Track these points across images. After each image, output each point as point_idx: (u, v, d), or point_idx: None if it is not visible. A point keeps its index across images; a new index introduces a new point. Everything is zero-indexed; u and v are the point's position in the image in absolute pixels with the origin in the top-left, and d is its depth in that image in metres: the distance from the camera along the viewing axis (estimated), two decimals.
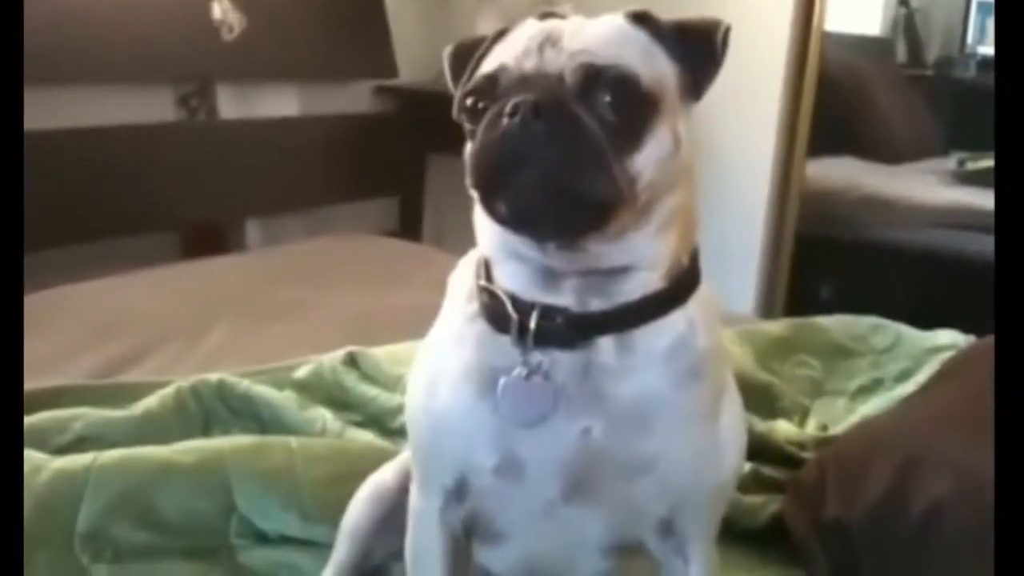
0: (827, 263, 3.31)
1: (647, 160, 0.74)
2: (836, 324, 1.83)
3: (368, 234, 2.65)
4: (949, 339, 1.75)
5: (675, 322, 0.79)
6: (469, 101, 0.76)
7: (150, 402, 1.34)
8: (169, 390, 1.36)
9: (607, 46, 0.75)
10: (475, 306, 0.82)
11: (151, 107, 2.28)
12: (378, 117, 2.85)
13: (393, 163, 2.82)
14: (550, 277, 0.78)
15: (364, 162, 2.71)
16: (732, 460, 0.85)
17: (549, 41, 0.75)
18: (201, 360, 1.67)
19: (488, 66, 0.77)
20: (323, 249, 2.38)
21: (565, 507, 0.82)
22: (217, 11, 2.28)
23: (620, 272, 0.77)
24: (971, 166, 3.64)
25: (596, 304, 0.78)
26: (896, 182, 3.62)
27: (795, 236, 2.95)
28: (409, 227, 2.93)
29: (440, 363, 0.83)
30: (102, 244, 2.13)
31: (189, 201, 2.33)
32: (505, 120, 0.71)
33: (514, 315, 0.78)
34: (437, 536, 0.88)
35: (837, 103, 3.33)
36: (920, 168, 3.88)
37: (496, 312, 0.80)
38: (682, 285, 0.80)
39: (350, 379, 1.48)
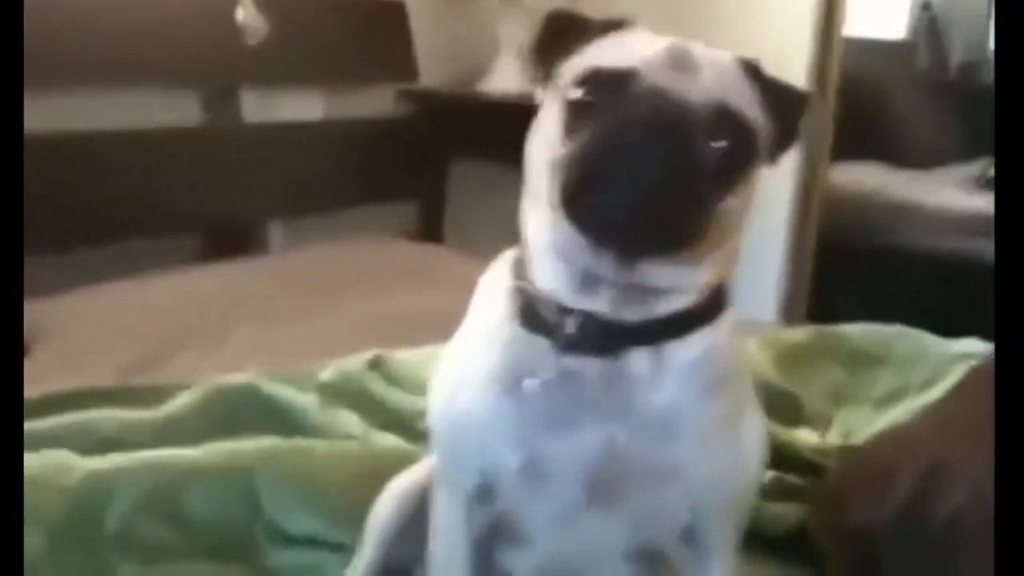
0: (851, 269, 3.29)
1: (732, 205, 0.76)
2: (859, 332, 1.82)
3: (390, 237, 2.66)
4: (973, 347, 1.74)
5: (703, 336, 0.81)
6: (582, 90, 0.75)
7: (176, 404, 1.35)
8: (195, 392, 1.37)
9: (738, 93, 0.76)
10: (509, 308, 0.82)
11: (176, 110, 2.29)
12: (400, 120, 2.86)
13: (415, 166, 2.83)
14: (590, 282, 0.78)
15: (386, 165, 2.72)
16: (753, 468, 0.86)
17: (682, 64, 0.75)
18: (224, 363, 1.68)
19: (608, 61, 0.76)
20: (345, 252, 2.39)
21: (588, 512, 0.82)
22: (241, 15, 2.29)
23: (660, 292, 0.78)
24: (995, 172, 3.61)
25: (629, 314, 0.79)
26: (920, 188, 3.60)
27: (818, 242, 2.94)
28: (431, 230, 2.94)
29: (467, 363, 0.84)
30: (126, 246, 2.15)
31: (212, 204, 2.34)
32: (631, 130, 0.71)
33: (551, 318, 0.79)
34: (462, 539, 0.88)
35: (860, 108, 3.31)
36: (944, 174, 3.86)
37: (532, 313, 0.80)
38: (713, 304, 0.82)
39: (375, 382, 1.49)
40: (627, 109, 0.73)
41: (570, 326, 0.78)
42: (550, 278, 0.80)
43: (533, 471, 0.81)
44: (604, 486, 0.81)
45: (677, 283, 0.79)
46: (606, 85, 0.75)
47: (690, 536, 0.85)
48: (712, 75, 0.76)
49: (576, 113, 0.75)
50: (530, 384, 0.79)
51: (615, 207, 0.71)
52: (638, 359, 0.79)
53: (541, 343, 0.80)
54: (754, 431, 0.86)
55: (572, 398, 0.79)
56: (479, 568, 0.90)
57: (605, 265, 0.76)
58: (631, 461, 0.80)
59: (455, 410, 0.84)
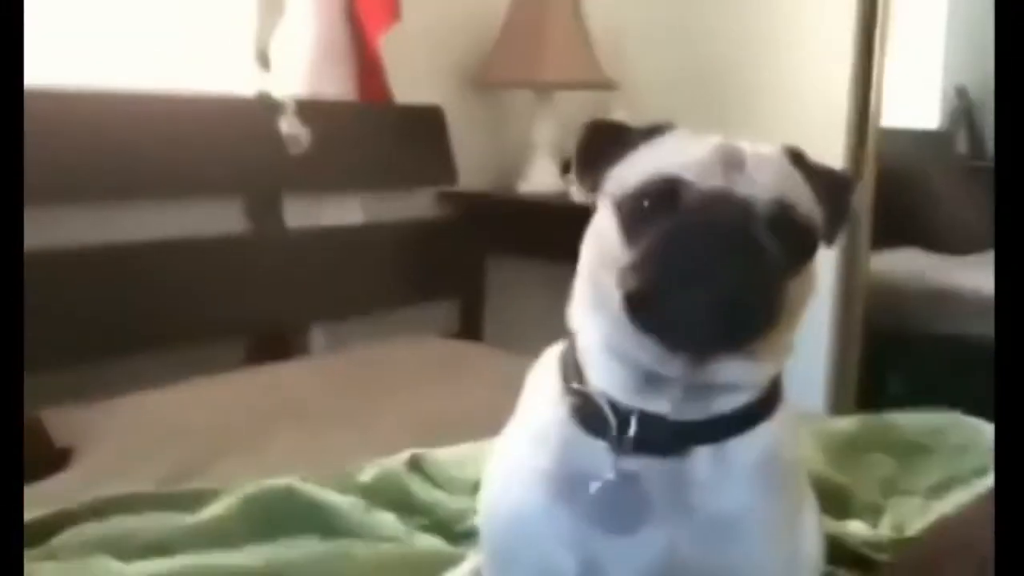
0: (897, 357, 3.24)
1: (795, 294, 0.77)
2: (909, 420, 1.78)
3: (430, 336, 2.68)
4: None
5: (763, 434, 0.80)
6: (639, 199, 0.77)
7: (216, 508, 1.35)
8: (235, 496, 1.37)
9: (791, 185, 0.78)
10: (564, 408, 0.82)
11: (220, 219, 2.35)
12: (439, 222, 2.91)
13: (454, 266, 2.86)
14: (653, 383, 0.78)
15: (426, 266, 2.76)
16: (814, 561, 0.85)
17: (733, 163, 0.77)
18: (267, 466, 1.67)
19: (662, 168, 0.77)
20: (386, 353, 2.40)
21: None
22: (285, 126, 2.36)
23: (726, 388, 0.78)
24: None
25: (691, 413, 0.78)
26: (962, 273, 3.57)
27: (863, 330, 2.91)
28: (470, 328, 2.96)
29: (518, 463, 0.83)
30: (172, 352, 2.18)
31: (256, 309, 2.38)
32: (697, 233, 0.73)
33: (613, 419, 0.78)
34: None
35: (900, 197, 3.32)
36: (986, 259, 3.81)
37: (591, 415, 0.80)
38: (770, 398, 0.82)
39: (414, 482, 1.48)
40: (689, 212, 0.74)
41: (632, 428, 0.78)
42: (609, 380, 0.80)
43: (592, 573, 0.80)
44: None
45: (745, 379, 0.78)
46: (663, 191, 0.76)
47: None
48: (764, 170, 0.77)
49: (635, 220, 0.76)
50: (594, 487, 0.78)
51: (688, 310, 0.72)
52: (699, 459, 0.78)
53: (598, 444, 0.79)
54: (812, 528, 0.85)
55: (631, 500, 0.78)
56: None
57: (674, 367, 0.77)
58: (690, 565, 0.78)
59: (506, 511, 0.84)
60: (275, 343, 2.49)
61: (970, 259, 3.80)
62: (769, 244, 0.74)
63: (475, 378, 2.10)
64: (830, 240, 0.82)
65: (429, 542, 1.35)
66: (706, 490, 0.78)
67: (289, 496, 1.38)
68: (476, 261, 2.96)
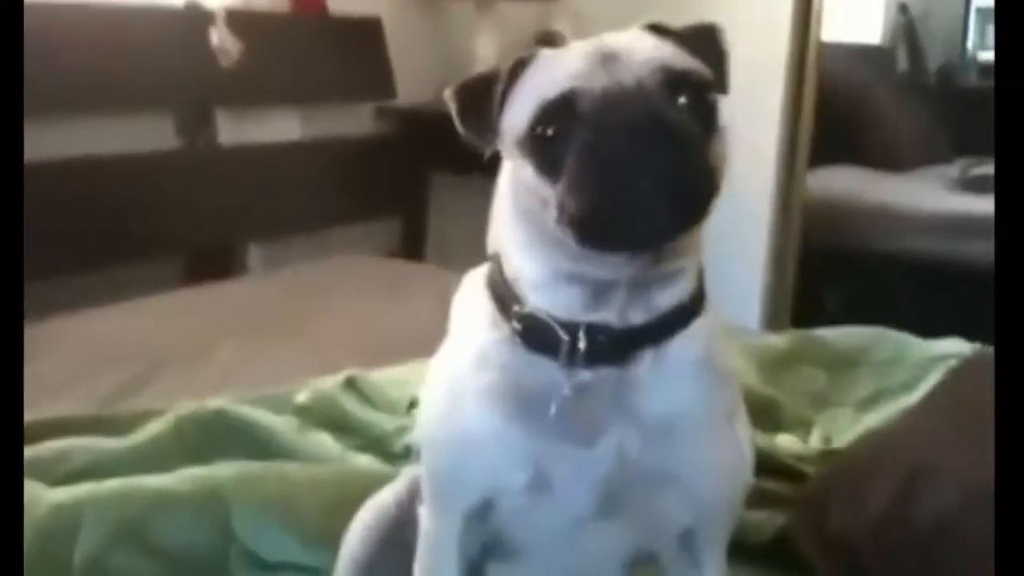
0: (833, 273, 3.29)
1: (718, 154, 0.76)
2: (839, 336, 1.81)
3: (370, 255, 2.65)
4: (954, 348, 1.74)
5: (697, 335, 0.81)
6: (539, 130, 0.75)
7: (148, 431, 1.33)
8: (168, 418, 1.35)
9: (669, 53, 0.78)
10: (502, 332, 0.81)
11: (151, 135, 2.29)
12: (379, 138, 2.86)
13: (395, 184, 2.83)
14: (600, 294, 0.78)
15: (366, 183, 2.71)
16: (749, 464, 0.87)
17: (607, 58, 0.76)
18: (205, 385, 1.66)
19: (546, 93, 0.75)
20: (325, 271, 2.38)
21: (594, 523, 0.82)
22: (215, 37, 2.28)
23: (671, 277, 0.79)
24: (975, 172, 3.62)
25: (636, 317, 0.79)
26: (900, 190, 3.61)
27: (800, 247, 2.94)
28: (412, 247, 2.94)
29: (460, 388, 0.83)
30: (105, 272, 2.14)
31: (191, 227, 2.33)
32: (611, 138, 0.72)
33: (565, 336, 0.78)
34: (452, 559, 0.87)
35: (838, 113, 3.33)
36: (924, 176, 3.87)
37: (539, 336, 0.79)
38: (698, 295, 0.83)
39: (350, 403, 1.47)
40: (592, 116, 0.73)
41: (581, 342, 0.78)
42: (555, 301, 0.79)
43: (541, 486, 0.81)
44: (612, 496, 0.81)
45: (687, 260, 0.80)
46: (559, 110, 0.75)
47: (688, 539, 0.86)
48: (637, 49, 0.77)
49: (545, 151, 0.75)
50: (554, 405, 0.79)
51: (637, 209, 0.72)
52: (643, 364, 0.79)
53: (543, 362, 0.80)
54: (747, 430, 0.87)
55: (586, 412, 0.79)
56: None
57: (629, 270, 0.77)
58: (639, 467, 0.80)
59: (454, 433, 0.84)
60: (212, 262, 2.45)
61: (907, 176, 3.85)
62: (676, 113, 0.74)
63: (416, 297, 2.09)
64: (722, 87, 0.80)
65: (364, 461, 1.35)
66: (651, 393, 0.79)
67: (222, 418, 1.37)
68: (418, 178, 2.92)
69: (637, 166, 0.71)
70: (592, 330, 0.78)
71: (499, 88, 0.79)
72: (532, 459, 0.80)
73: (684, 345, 0.80)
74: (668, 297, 0.80)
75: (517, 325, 0.80)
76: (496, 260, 0.84)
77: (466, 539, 0.86)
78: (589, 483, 0.80)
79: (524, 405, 0.80)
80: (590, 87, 0.74)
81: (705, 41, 0.81)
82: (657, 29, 0.81)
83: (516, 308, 0.80)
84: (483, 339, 0.82)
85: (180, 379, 1.70)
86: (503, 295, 0.82)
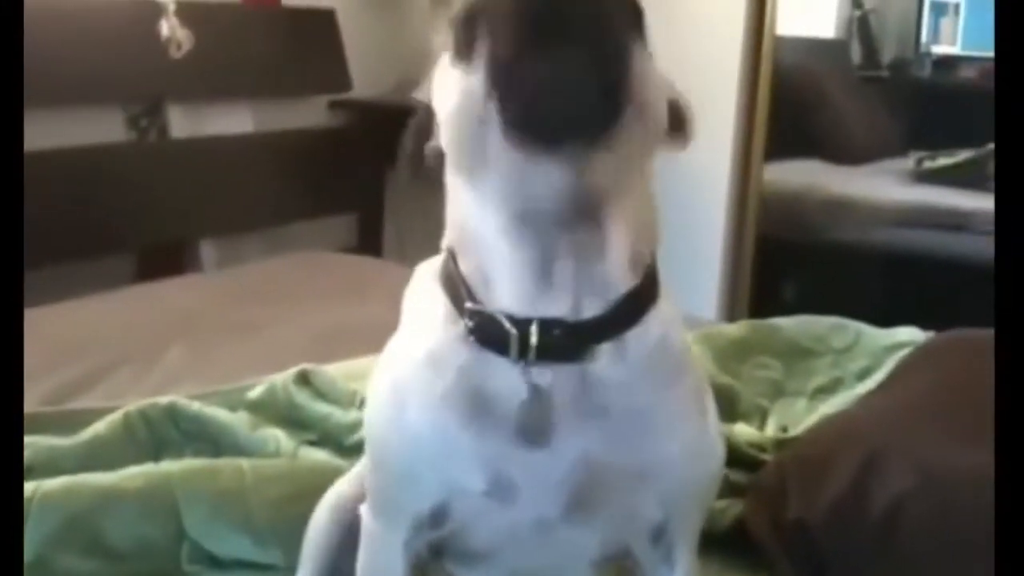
0: (789, 265, 3.32)
1: (647, 70, 0.71)
2: (795, 325, 1.83)
3: (326, 251, 2.63)
4: (908, 336, 1.76)
5: (653, 323, 0.79)
6: (461, 16, 0.70)
7: (98, 428, 1.31)
8: (117, 415, 1.33)
9: None
10: (458, 328, 0.78)
11: (100, 128, 2.24)
12: (334, 132, 2.83)
13: (351, 178, 2.80)
14: (545, 275, 0.74)
15: (321, 178, 2.68)
16: (720, 453, 0.86)
17: None
18: (156, 383, 1.64)
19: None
20: (279, 268, 2.35)
21: (562, 525, 0.79)
22: (165, 28, 2.24)
23: (614, 238, 0.75)
24: (929, 165, 3.67)
25: (589, 309, 0.75)
26: (855, 183, 3.65)
27: (756, 239, 2.96)
28: (369, 242, 2.91)
29: (411, 388, 0.80)
30: (54, 269, 2.09)
31: (142, 223, 2.29)
32: (528, 17, 0.66)
33: (513, 331, 0.75)
34: (399, 563, 0.85)
35: (793, 106, 3.35)
36: (878, 168, 3.91)
37: (490, 332, 0.76)
38: (651, 282, 0.80)
39: (303, 397, 1.45)
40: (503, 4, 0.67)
41: (533, 336, 0.75)
42: (501, 287, 0.76)
43: (502, 491, 0.78)
44: (579, 496, 0.78)
45: (621, 183, 0.73)
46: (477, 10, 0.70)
47: (660, 534, 0.84)
48: None
49: (465, 34, 0.70)
50: (510, 407, 0.76)
51: (557, 81, 0.66)
52: (601, 360, 0.77)
53: (499, 361, 0.77)
54: (716, 419, 0.86)
55: (543, 412, 0.76)
56: None
57: (556, 176, 0.69)
58: (607, 468, 0.77)
59: (403, 438, 0.80)
60: (164, 259, 2.41)
61: (862, 169, 3.89)
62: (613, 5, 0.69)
63: (372, 293, 2.07)
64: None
65: (318, 456, 1.34)
66: (612, 389, 0.77)
67: (172, 414, 1.35)
68: (374, 173, 2.89)
69: (556, 35, 0.65)
70: (545, 325, 0.75)
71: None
72: (489, 464, 0.77)
73: (642, 335, 0.78)
74: (617, 282, 0.76)
75: (469, 322, 0.77)
76: (450, 252, 0.81)
77: (416, 543, 0.84)
78: (552, 485, 0.77)
79: (479, 408, 0.77)
80: None
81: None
82: None
83: (468, 305, 0.78)
84: (437, 337, 0.80)
85: (131, 377, 1.67)
86: (456, 289, 0.79)
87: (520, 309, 0.76)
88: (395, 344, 0.86)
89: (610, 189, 0.73)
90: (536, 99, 0.67)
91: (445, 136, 0.75)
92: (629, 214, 0.76)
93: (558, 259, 0.74)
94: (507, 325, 0.75)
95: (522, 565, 0.86)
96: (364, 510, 0.89)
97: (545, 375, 0.76)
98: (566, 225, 0.73)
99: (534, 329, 0.75)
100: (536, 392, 0.76)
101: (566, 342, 0.76)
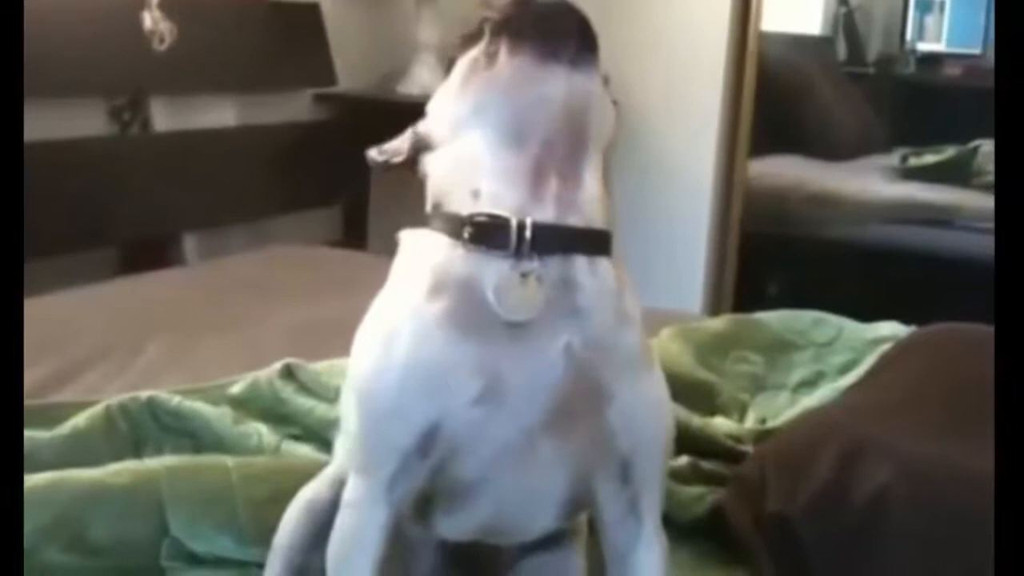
0: (773, 260, 3.33)
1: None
2: (777, 319, 1.83)
3: (310, 245, 2.62)
4: (890, 330, 1.77)
5: (610, 270, 0.86)
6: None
7: (78, 422, 1.30)
8: (98, 409, 1.32)
9: None
10: (455, 249, 0.84)
11: (82, 121, 2.23)
12: (318, 125, 2.82)
13: (335, 172, 2.79)
14: (535, 186, 0.84)
15: (305, 171, 2.68)
16: (670, 414, 0.91)
17: None
18: (137, 377, 1.63)
19: None
20: (262, 262, 2.34)
21: (542, 436, 0.83)
22: (148, 21, 2.23)
23: (582, 178, 0.86)
24: (913, 162, 3.70)
25: (572, 220, 0.84)
26: (839, 179, 3.67)
27: (740, 235, 2.97)
28: (354, 236, 2.90)
29: (405, 324, 0.84)
30: (34, 262, 2.08)
31: (125, 216, 2.28)
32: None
33: (513, 219, 0.82)
34: (375, 525, 0.86)
35: (778, 102, 3.36)
36: (863, 165, 3.93)
37: (490, 230, 0.83)
38: (608, 237, 0.88)
39: (287, 392, 1.45)
40: None
41: (528, 230, 0.82)
42: (499, 194, 0.84)
43: (492, 395, 0.81)
44: (560, 404, 0.82)
45: (600, 108, 0.87)
46: None
47: (625, 470, 0.87)
48: None
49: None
50: (500, 283, 0.82)
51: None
52: (581, 267, 0.84)
53: (495, 263, 0.83)
54: (664, 383, 0.90)
55: (529, 292, 0.82)
56: (383, 563, 0.88)
57: (549, 84, 0.84)
58: (583, 374, 0.82)
59: (395, 364, 0.83)
60: (147, 252, 2.40)
61: (847, 164, 3.90)
62: None
63: (356, 287, 2.04)
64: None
65: (303, 451, 1.33)
66: (589, 296, 0.83)
67: (154, 408, 1.34)
68: (358, 167, 2.87)
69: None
70: (536, 224, 0.83)
71: None
72: (483, 369, 0.81)
73: (608, 272, 0.85)
74: (593, 214, 0.85)
75: (470, 228, 0.83)
76: (435, 206, 0.89)
77: (399, 487, 0.85)
78: (539, 386, 0.81)
79: (480, 317, 0.82)
80: None
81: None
82: None
83: (469, 212, 0.84)
84: (440, 259, 0.85)
85: (112, 371, 1.66)
86: (451, 219, 0.86)
87: (511, 214, 0.83)
88: (383, 298, 0.90)
89: (590, 107, 0.86)
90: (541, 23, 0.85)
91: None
92: (596, 167, 0.87)
93: (547, 176, 0.84)
94: (506, 215, 0.83)
95: (499, 498, 0.88)
96: (350, 479, 0.90)
97: (534, 264, 0.82)
98: (557, 137, 0.85)
99: (528, 221, 0.83)
100: (524, 274, 0.82)
101: (553, 240, 0.83)
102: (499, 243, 0.83)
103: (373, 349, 0.87)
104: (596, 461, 0.87)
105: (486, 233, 0.84)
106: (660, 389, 0.90)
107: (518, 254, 0.82)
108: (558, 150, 0.85)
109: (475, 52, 0.90)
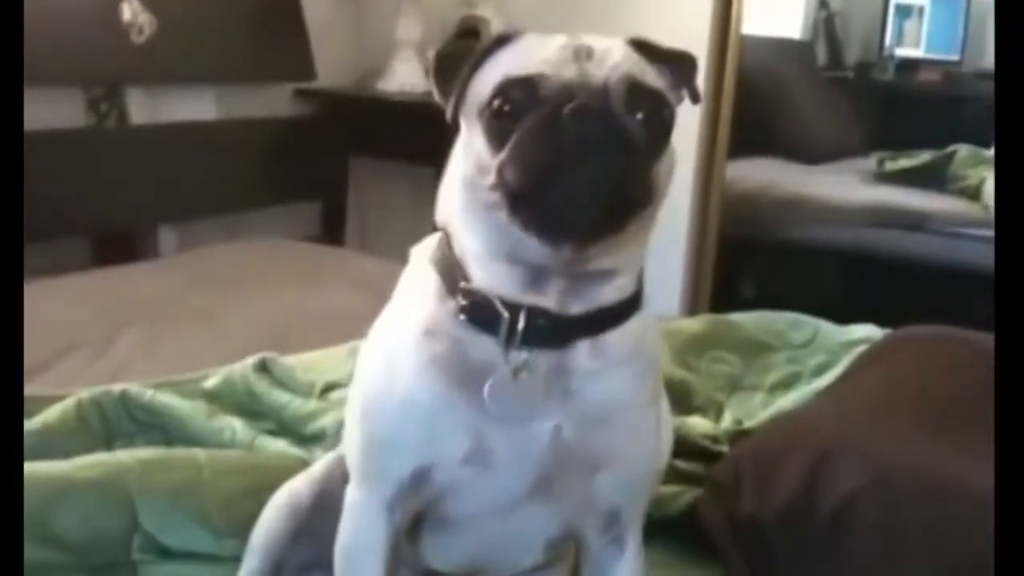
0: (751, 263, 3.35)
1: (660, 171, 0.79)
2: (753, 320, 1.84)
3: (287, 239, 2.61)
4: (865, 333, 1.78)
5: (632, 329, 0.84)
6: (497, 103, 0.78)
7: (49, 416, 1.28)
8: (69, 403, 1.30)
9: (641, 67, 0.81)
10: (450, 306, 0.83)
11: (60, 112, 2.21)
12: (298, 120, 2.81)
13: (314, 167, 2.78)
14: (538, 279, 0.81)
15: (284, 166, 2.66)
16: (669, 443, 0.96)
17: (583, 54, 0.79)
18: (109, 370, 1.62)
19: (514, 71, 0.79)
20: (238, 255, 2.33)
21: (528, 502, 0.85)
22: (127, 12, 2.21)
23: (606, 275, 0.82)
24: (890, 166, 3.71)
25: (575, 307, 0.82)
26: (817, 182, 3.68)
27: (718, 237, 2.98)
28: (332, 231, 2.89)
29: (404, 356, 0.84)
30: None
31: (101, 208, 2.26)
32: (561, 124, 0.74)
33: (505, 313, 0.81)
34: (380, 530, 0.88)
35: (758, 105, 3.37)
36: (840, 168, 3.94)
37: (482, 312, 0.82)
38: (637, 295, 0.86)
39: (262, 386, 1.44)
40: (550, 103, 0.76)
41: (521, 322, 0.80)
42: (495, 280, 0.82)
43: (478, 460, 0.83)
44: (547, 477, 0.84)
45: (621, 262, 0.82)
46: (520, 89, 0.77)
47: (614, 519, 0.89)
48: (612, 55, 0.80)
49: (498, 124, 0.78)
50: (493, 380, 0.81)
51: (571, 196, 0.75)
52: (580, 351, 0.82)
53: (487, 340, 0.82)
54: (667, 409, 0.93)
55: (523, 391, 0.81)
56: (390, 563, 0.89)
57: (558, 258, 0.78)
58: (574, 451, 0.83)
59: (393, 400, 0.84)
60: (123, 244, 2.38)
61: (824, 168, 3.92)
62: (630, 123, 0.77)
63: (332, 282, 2.05)
64: (694, 97, 0.85)
65: (277, 446, 1.32)
66: (586, 379, 0.82)
67: (127, 402, 1.33)
68: (337, 162, 2.87)
69: (577, 158, 0.74)
70: (532, 313, 0.81)
71: (475, 57, 0.83)
72: (471, 431, 0.82)
73: (621, 339, 0.83)
74: (607, 293, 0.82)
75: (463, 300, 0.82)
76: (444, 234, 0.86)
77: (395, 509, 0.87)
78: (525, 462, 0.83)
79: (468, 378, 0.82)
80: (557, 75, 0.78)
81: (682, 64, 0.85)
82: (640, 45, 0.84)
83: (462, 284, 0.83)
84: (431, 311, 0.84)
85: (85, 364, 1.65)
86: (450, 269, 0.84)
87: (510, 296, 0.81)
88: (388, 317, 0.90)
89: (599, 262, 0.80)
90: (541, 205, 0.75)
91: (464, 164, 0.82)
92: (623, 255, 0.82)
93: (549, 278, 0.81)
94: (499, 307, 0.81)
95: (486, 540, 0.91)
96: (351, 484, 0.91)
97: (527, 358, 0.81)
98: (557, 273, 0.81)
99: (522, 315, 0.81)
100: (515, 369, 0.81)
101: (550, 331, 0.81)
102: (489, 328, 0.82)
103: (379, 366, 0.88)
104: (584, 513, 0.89)
105: (477, 313, 0.82)
106: (659, 429, 0.90)
107: (509, 342, 0.81)
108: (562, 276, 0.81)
109: (483, 154, 0.79)
